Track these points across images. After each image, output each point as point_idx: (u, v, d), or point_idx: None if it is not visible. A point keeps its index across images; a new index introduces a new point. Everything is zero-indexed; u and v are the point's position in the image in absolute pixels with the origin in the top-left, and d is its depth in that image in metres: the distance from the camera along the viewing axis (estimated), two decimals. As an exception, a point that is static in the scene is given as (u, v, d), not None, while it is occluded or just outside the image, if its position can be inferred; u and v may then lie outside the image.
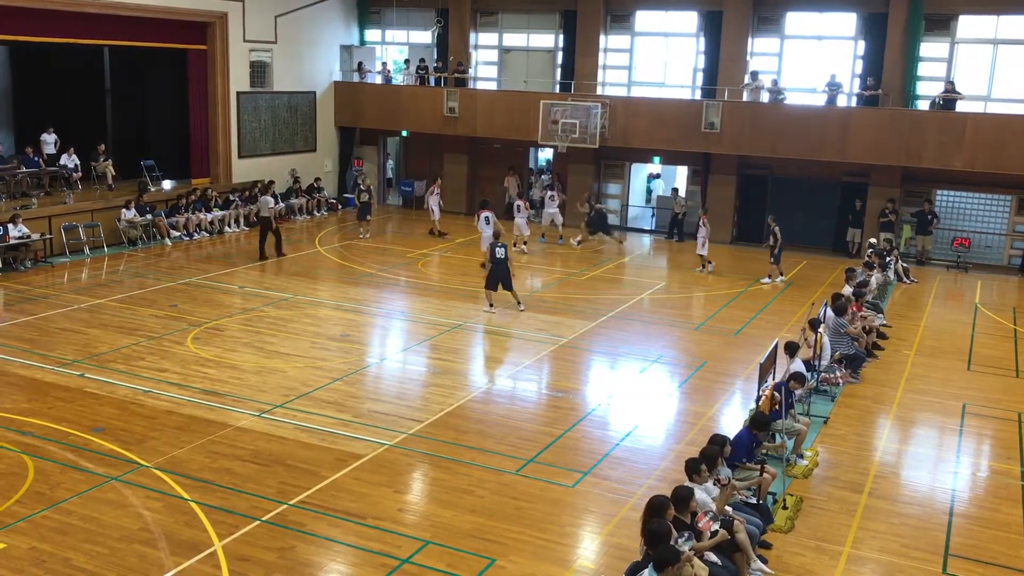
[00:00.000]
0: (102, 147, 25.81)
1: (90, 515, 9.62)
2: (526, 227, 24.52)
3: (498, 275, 17.90)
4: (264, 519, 9.68)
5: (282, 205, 26.37)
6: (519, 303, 18.22)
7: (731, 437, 10.28)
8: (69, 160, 24.63)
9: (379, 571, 8.80)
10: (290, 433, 11.93)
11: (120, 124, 28.84)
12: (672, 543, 7.70)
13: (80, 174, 24.88)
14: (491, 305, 18.06)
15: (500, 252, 17.88)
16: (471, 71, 30.04)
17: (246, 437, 11.76)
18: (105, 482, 10.38)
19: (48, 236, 21.36)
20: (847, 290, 16.96)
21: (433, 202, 26.05)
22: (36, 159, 24.29)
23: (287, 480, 10.58)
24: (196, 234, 24.35)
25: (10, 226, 20.10)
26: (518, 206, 24.68)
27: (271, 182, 25.15)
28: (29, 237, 20.51)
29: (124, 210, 22.98)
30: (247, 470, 10.82)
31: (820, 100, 25.56)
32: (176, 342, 15.54)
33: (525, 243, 24.55)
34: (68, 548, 8.98)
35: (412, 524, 9.77)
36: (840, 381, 14.02)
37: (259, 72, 27.42)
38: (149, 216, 23.44)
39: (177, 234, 24.04)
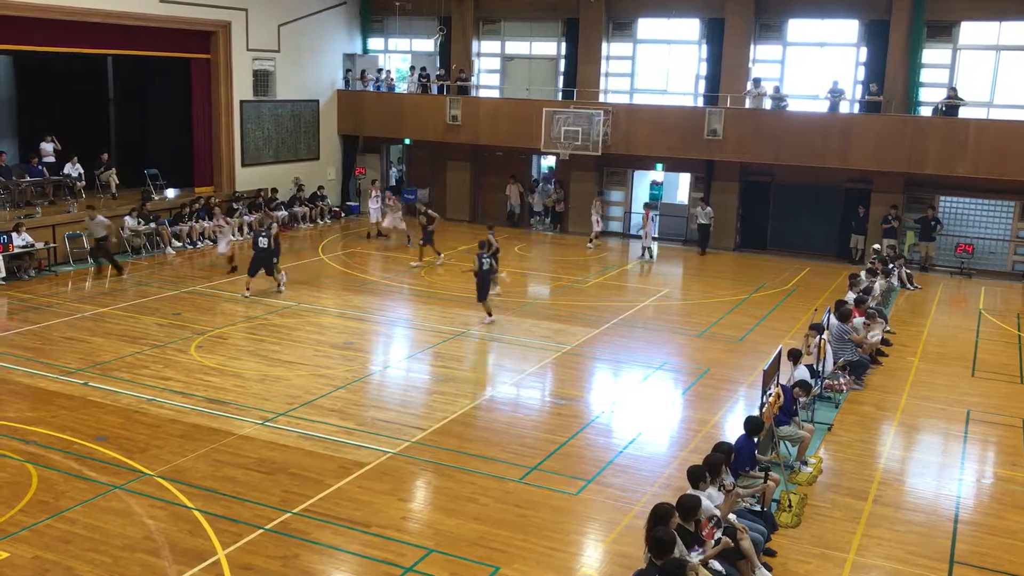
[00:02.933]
0: (105, 156, 25.87)
1: (94, 524, 9.62)
2: (598, 224, 26.70)
3: (258, 263, 19.15)
4: (268, 527, 9.67)
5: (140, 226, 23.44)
6: (279, 286, 19.50)
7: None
8: (73, 169, 24.70)
9: (383, 579, 8.79)
10: (293, 441, 11.93)
11: (123, 133, 28.91)
12: (679, 555, 7.67)
13: (84, 183, 24.92)
14: (248, 290, 19.22)
15: (262, 241, 18.89)
16: (474, 79, 30.09)
17: (249, 445, 11.76)
18: (109, 491, 10.38)
19: (52, 245, 21.40)
20: (850, 296, 16.95)
21: (372, 204, 26.42)
22: (40, 168, 24.36)
23: (291, 488, 10.57)
24: (199, 242, 24.39)
25: (14, 235, 20.13)
26: (596, 204, 26.73)
27: (91, 207, 22.06)
28: (33, 246, 20.54)
29: (127, 218, 23.02)
30: (251, 478, 10.81)
31: (823, 107, 25.58)
32: (180, 350, 15.55)
33: (595, 238, 26.60)
34: (72, 557, 8.97)
35: (416, 532, 9.75)
36: (844, 388, 14.00)
37: (262, 81, 27.50)
38: (152, 224, 23.48)
39: (180, 243, 24.07)
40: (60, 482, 10.58)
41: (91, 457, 11.26)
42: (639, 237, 26.73)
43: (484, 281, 17.68)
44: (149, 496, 10.28)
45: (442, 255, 23.22)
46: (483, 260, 17.54)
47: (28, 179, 23.91)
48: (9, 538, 9.28)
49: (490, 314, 17.69)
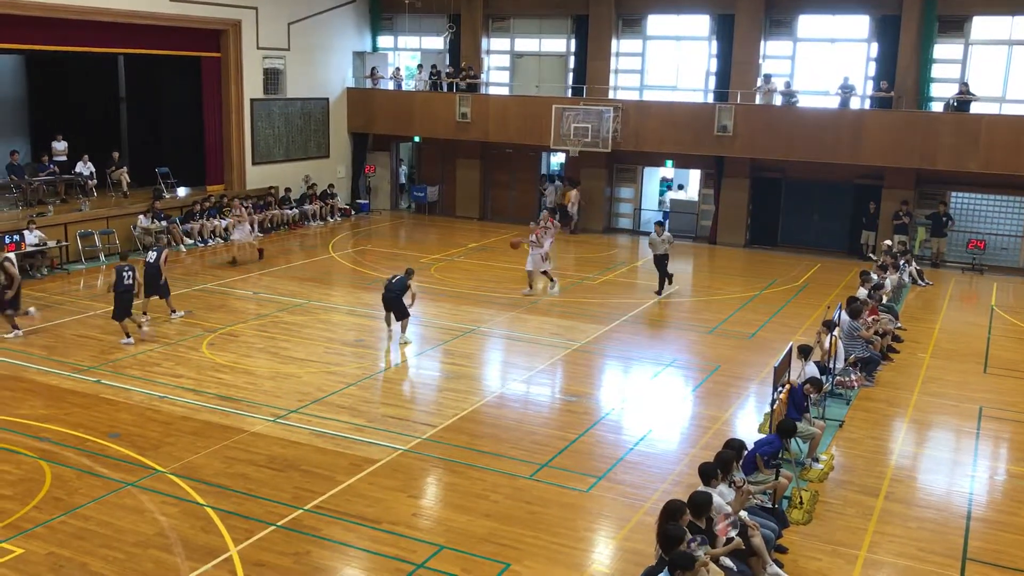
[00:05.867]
0: (116, 154, 25.98)
1: (107, 520, 9.68)
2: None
3: (147, 281, 16.82)
4: (279, 524, 9.71)
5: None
6: (165, 313, 17.27)
7: (758, 440, 10.38)
8: (84, 167, 24.82)
9: (394, 576, 8.82)
10: (305, 438, 11.97)
11: (135, 131, 29.03)
12: (686, 547, 7.68)
13: (95, 181, 25.05)
14: (144, 315, 16.83)
15: (150, 256, 17.12)
16: (483, 76, 30.09)
17: (261, 442, 11.80)
18: (121, 488, 10.44)
19: (64, 243, 21.50)
20: (862, 292, 16.90)
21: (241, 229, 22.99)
22: (51, 166, 24.49)
23: (302, 485, 10.61)
24: (211, 240, 24.46)
25: (26, 232, 20.23)
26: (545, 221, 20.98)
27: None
28: (45, 244, 20.63)
29: (141, 217, 23.11)
30: (262, 475, 10.86)
31: (833, 103, 25.49)
32: (191, 348, 15.61)
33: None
34: (85, 553, 9.03)
35: (426, 529, 9.78)
36: (855, 384, 13.96)
37: (272, 79, 27.55)
38: (164, 223, 23.56)
39: (191, 241, 24.15)
40: (73, 479, 10.64)
41: (104, 454, 11.32)
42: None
43: (125, 300, 15.63)
44: (162, 493, 10.34)
45: (19, 332, 16.07)
46: (124, 273, 15.55)
47: (40, 177, 24.05)
48: (24, 534, 9.35)
49: (128, 335, 15.65)
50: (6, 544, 9.13)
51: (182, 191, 26.46)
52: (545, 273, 20.01)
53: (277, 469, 11.03)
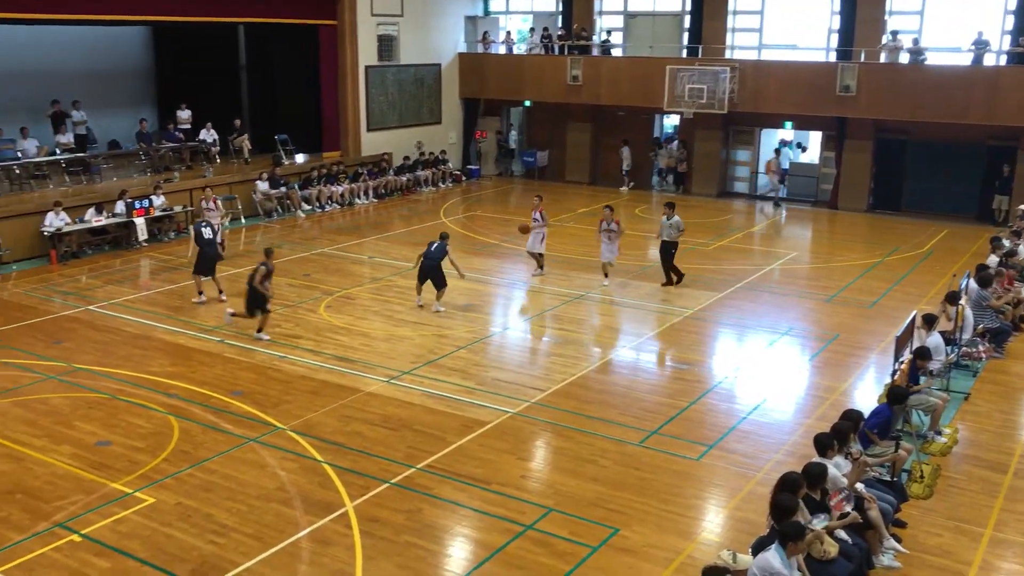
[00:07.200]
0: (238, 122, 26.82)
1: (230, 474, 10.10)
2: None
3: (206, 260, 16.14)
4: (393, 482, 9.95)
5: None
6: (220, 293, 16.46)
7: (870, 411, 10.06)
8: (208, 135, 25.73)
9: (503, 536, 8.93)
10: (417, 399, 12.20)
11: (255, 99, 29.85)
12: (801, 520, 7.51)
13: (218, 148, 25.95)
14: (201, 295, 16.31)
15: (207, 232, 16.15)
16: (595, 38, 29.70)
17: (376, 402, 12.09)
18: (244, 443, 10.87)
19: (190, 208, 22.36)
20: (992, 260, 16.09)
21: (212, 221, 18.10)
22: (177, 134, 25.48)
23: (415, 444, 10.83)
24: (327, 206, 25.04)
25: (153, 197, 21.09)
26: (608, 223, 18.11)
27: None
28: (171, 208, 21.47)
29: (259, 183, 23.81)
30: (377, 434, 11.13)
31: (965, 60, 24.18)
32: (310, 310, 16.07)
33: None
34: (211, 505, 9.46)
35: (535, 491, 9.86)
36: (983, 356, 13.33)
37: (386, 45, 27.85)
38: (283, 188, 24.23)
39: (309, 206, 24.76)
40: (199, 433, 11.14)
41: (227, 411, 11.81)
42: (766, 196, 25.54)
43: (254, 293, 14.33)
44: (282, 449, 10.72)
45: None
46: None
47: (166, 145, 25.05)
48: (155, 485, 9.85)
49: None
50: (139, 493, 9.65)
51: (300, 158, 27.12)
52: (539, 256, 18.45)
53: (391, 428, 11.29)
